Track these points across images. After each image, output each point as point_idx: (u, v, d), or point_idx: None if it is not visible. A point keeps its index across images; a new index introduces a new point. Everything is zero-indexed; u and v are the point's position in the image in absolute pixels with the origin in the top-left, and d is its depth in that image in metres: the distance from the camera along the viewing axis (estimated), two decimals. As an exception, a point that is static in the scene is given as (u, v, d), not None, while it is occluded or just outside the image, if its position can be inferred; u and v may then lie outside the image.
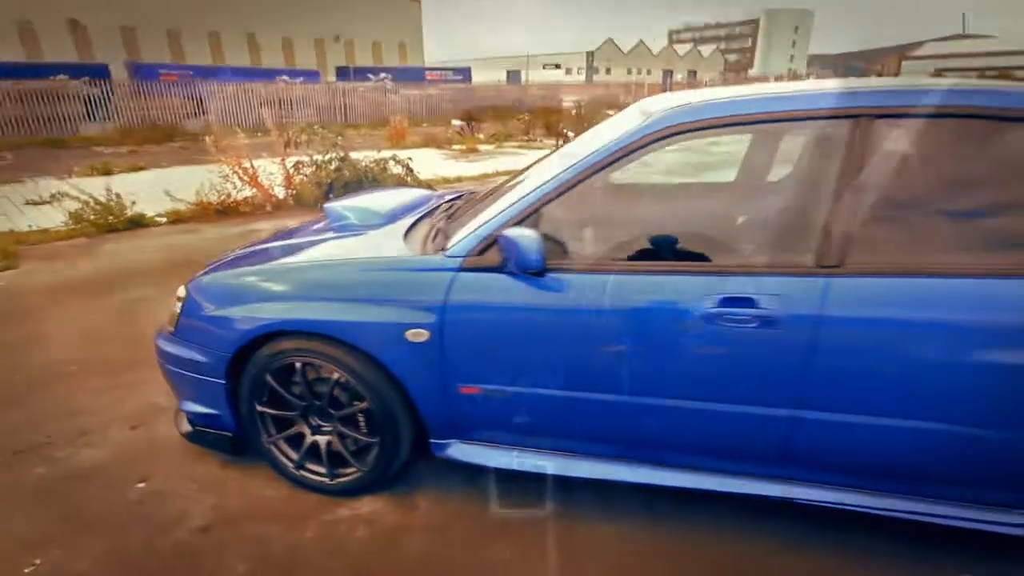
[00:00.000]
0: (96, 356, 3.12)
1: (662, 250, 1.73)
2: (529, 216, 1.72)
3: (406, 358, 1.78)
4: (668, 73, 56.36)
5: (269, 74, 21.10)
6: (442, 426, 1.91)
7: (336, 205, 2.44)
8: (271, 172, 6.84)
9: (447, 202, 2.59)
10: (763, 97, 1.65)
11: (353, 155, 7.07)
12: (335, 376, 1.88)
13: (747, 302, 1.54)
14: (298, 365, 1.90)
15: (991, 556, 1.70)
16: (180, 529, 1.90)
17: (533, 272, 1.64)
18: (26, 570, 1.74)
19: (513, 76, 45.31)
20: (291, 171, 6.86)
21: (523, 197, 1.75)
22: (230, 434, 2.10)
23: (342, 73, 25.89)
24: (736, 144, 2.55)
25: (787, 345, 1.53)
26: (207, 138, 6.78)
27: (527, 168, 2.26)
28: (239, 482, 2.13)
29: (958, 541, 1.68)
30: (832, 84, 1.74)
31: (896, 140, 1.53)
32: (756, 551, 1.78)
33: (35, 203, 6.82)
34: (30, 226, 5.82)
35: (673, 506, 1.93)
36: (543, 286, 1.67)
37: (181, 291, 2.06)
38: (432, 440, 1.95)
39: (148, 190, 7.24)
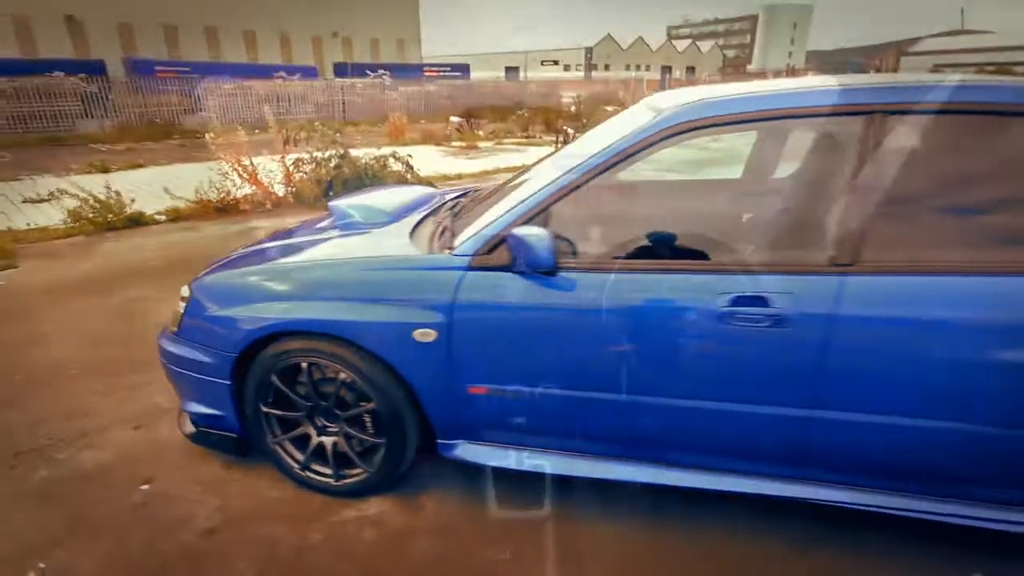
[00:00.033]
0: (97, 356, 3.09)
1: (673, 249, 1.70)
2: (538, 214, 1.69)
3: (413, 358, 1.76)
4: (667, 69, 56.24)
5: (266, 70, 20.96)
6: (449, 427, 1.89)
7: (341, 203, 2.41)
8: (271, 169, 6.81)
9: (452, 200, 2.56)
10: (778, 93, 1.63)
11: (352, 152, 7.05)
12: (341, 376, 1.86)
13: (760, 301, 1.52)
14: (304, 365, 1.88)
15: (1006, 556, 1.69)
16: (185, 531, 1.88)
17: (544, 271, 1.61)
18: (30, 574, 1.72)
19: (511, 73, 45.15)
20: (291, 168, 6.83)
21: (532, 195, 1.72)
22: (234, 435, 2.08)
23: (340, 70, 25.72)
24: (735, 140, 2.51)
25: (801, 344, 1.51)
26: (206, 135, 6.74)
27: (532, 166, 2.23)
28: (243, 483, 2.10)
29: (972, 540, 1.67)
30: (846, 80, 1.72)
31: (911, 136, 1.51)
32: (770, 551, 1.77)
33: (33, 201, 6.77)
34: (28, 224, 5.78)
35: (682, 507, 1.91)
36: (555, 285, 1.65)
37: (184, 291, 2.04)
38: (439, 440, 1.93)
39: (147, 188, 7.22)
